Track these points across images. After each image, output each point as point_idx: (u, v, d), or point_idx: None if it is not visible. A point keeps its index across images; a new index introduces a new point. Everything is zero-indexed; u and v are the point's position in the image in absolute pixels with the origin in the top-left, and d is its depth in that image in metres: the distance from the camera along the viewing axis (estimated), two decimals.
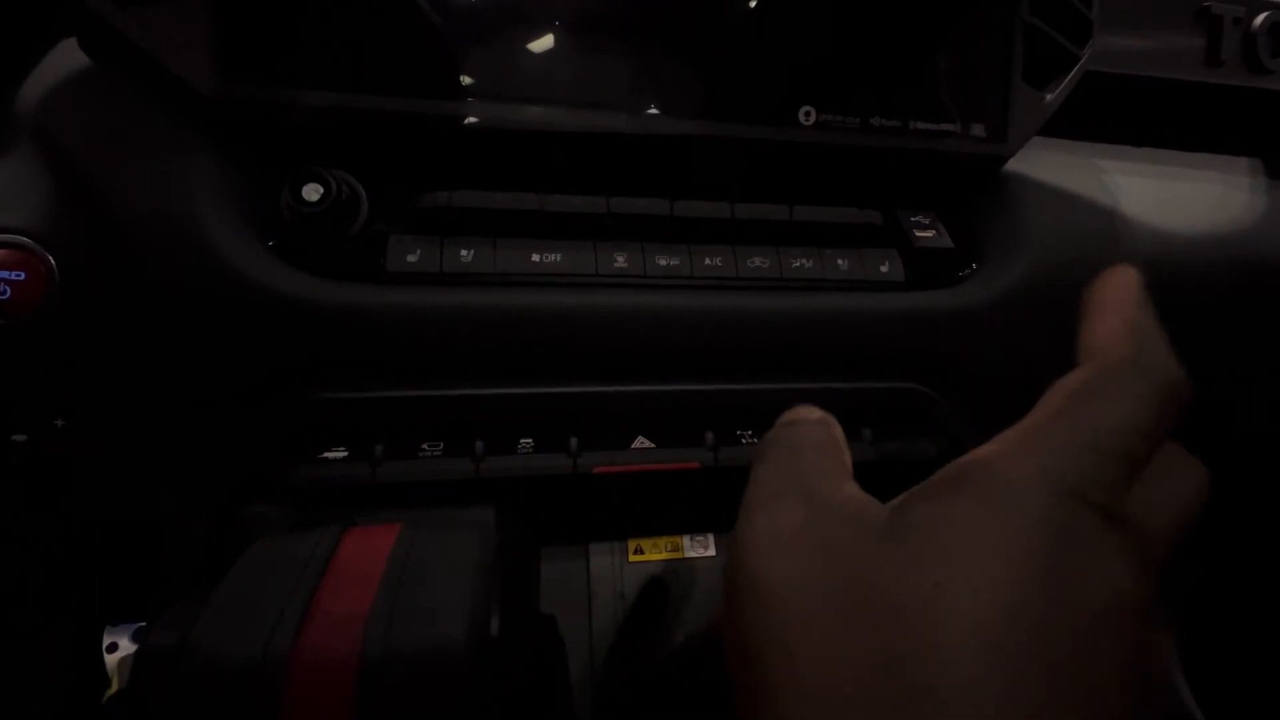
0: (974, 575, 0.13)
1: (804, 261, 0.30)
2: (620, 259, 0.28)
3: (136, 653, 0.15)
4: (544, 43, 0.27)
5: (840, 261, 0.31)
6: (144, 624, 0.54)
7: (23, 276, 0.27)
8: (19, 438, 0.29)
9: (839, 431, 0.20)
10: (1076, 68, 0.34)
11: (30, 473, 0.30)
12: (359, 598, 0.15)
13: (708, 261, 0.29)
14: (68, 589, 0.42)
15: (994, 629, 0.13)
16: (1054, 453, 0.15)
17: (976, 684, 0.12)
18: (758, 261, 0.30)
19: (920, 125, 0.31)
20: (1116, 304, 0.19)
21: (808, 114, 0.29)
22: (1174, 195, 0.40)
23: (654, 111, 0.27)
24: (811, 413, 0.20)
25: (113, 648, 0.62)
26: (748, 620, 0.15)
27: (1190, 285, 0.38)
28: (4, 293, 0.27)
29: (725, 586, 0.17)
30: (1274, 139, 0.46)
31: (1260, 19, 0.43)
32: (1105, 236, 0.36)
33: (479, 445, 0.27)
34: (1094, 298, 0.20)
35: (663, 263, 0.29)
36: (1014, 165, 0.35)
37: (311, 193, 0.24)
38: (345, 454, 0.26)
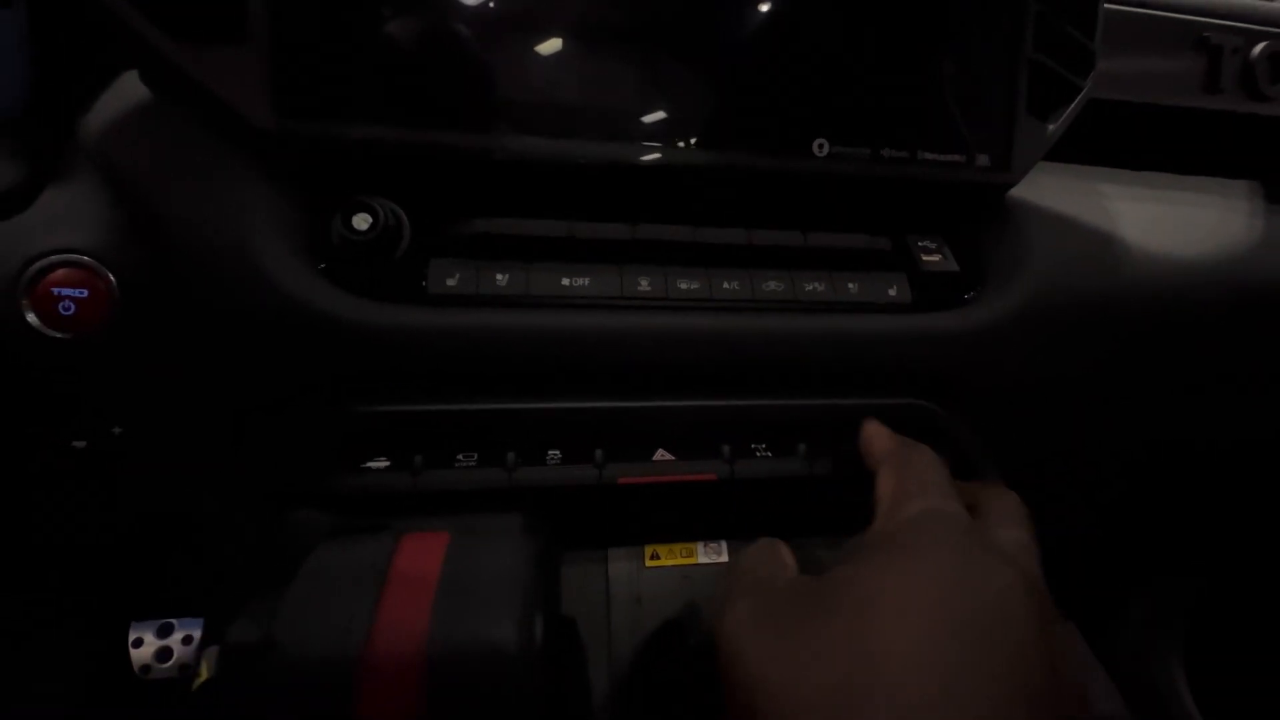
0: (891, 622, 0.18)
1: (816, 285, 0.32)
2: (644, 282, 0.30)
3: (221, 647, 0.17)
4: (573, 82, 0.28)
5: (851, 284, 0.32)
6: (169, 620, 0.56)
7: (86, 294, 0.29)
8: (79, 444, 0.31)
9: (782, 546, 0.27)
10: (1079, 98, 0.36)
11: (87, 476, 0.32)
12: (419, 602, 0.17)
13: (726, 285, 0.31)
14: (96, 584, 0.44)
15: (924, 651, 0.17)
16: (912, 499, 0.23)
17: (917, 682, 0.17)
18: (773, 285, 0.31)
19: (928, 155, 0.33)
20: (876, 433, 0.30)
21: (820, 146, 0.31)
22: (1172, 219, 0.41)
23: (679, 145, 0.29)
24: (761, 542, 0.28)
25: (138, 642, 0.64)
26: (729, 685, 0.21)
27: (1188, 308, 0.39)
28: (69, 309, 0.29)
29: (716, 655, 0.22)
30: (1273, 163, 0.47)
31: (1259, 48, 0.45)
32: (1104, 261, 0.37)
33: (511, 456, 0.29)
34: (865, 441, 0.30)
35: (684, 286, 0.30)
36: (1018, 191, 0.37)
37: (361, 221, 0.26)
38: (387, 464, 0.27)
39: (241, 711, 0.16)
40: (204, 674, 0.23)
